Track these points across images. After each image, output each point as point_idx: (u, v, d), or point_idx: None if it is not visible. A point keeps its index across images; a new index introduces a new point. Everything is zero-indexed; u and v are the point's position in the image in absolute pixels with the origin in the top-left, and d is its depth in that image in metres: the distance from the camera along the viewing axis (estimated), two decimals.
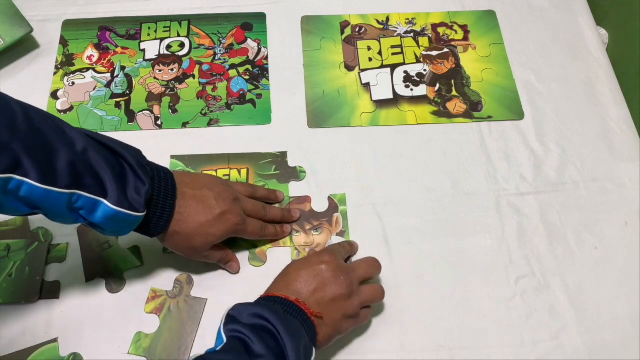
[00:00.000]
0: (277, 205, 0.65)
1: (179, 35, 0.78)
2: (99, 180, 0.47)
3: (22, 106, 0.45)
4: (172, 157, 0.68)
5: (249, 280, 0.61)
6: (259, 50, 0.77)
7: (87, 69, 0.75)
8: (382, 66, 0.76)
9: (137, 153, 0.51)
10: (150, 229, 0.52)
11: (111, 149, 0.49)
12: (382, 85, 0.74)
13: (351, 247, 0.61)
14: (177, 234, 0.54)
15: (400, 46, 0.78)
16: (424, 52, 0.77)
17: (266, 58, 0.76)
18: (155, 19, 0.79)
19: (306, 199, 0.66)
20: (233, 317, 0.48)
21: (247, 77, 0.75)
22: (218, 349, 0.45)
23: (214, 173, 0.67)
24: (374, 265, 0.58)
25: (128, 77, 0.74)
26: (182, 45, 0.77)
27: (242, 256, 0.62)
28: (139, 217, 0.49)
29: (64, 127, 0.47)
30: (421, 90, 0.74)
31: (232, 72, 0.75)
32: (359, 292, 0.54)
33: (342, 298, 0.52)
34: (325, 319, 0.51)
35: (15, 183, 0.43)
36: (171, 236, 0.54)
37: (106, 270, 0.61)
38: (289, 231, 0.63)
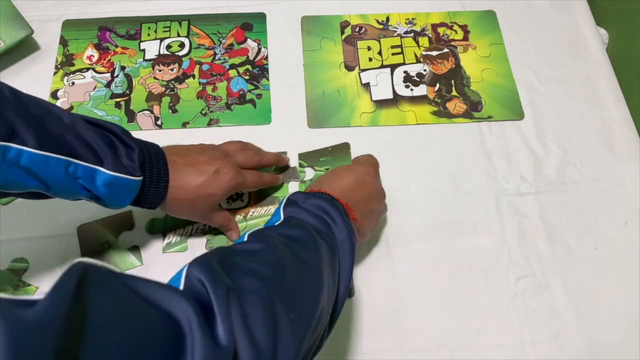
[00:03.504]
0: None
1: (179, 35, 0.78)
2: (92, 150, 0.49)
3: (5, 84, 0.47)
4: None
5: None
6: (259, 50, 0.77)
7: (87, 69, 0.75)
8: (382, 66, 0.76)
9: (121, 126, 0.53)
10: (150, 197, 0.53)
11: (95, 124, 0.51)
12: (382, 85, 0.74)
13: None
14: (178, 200, 0.55)
15: (400, 46, 0.78)
16: (424, 52, 0.77)
17: (266, 58, 0.76)
18: (155, 19, 0.79)
19: None
20: (294, 201, 0.49)
21: (247, 77, 0.75)
22: (276, 224, 0.47)
23: None
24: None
25: (128, 77, 0.74)
26: (182, 45, 0.77)
27: None
28: (137, 182, 0.51)
29: (47, 104, 0.49)
30: (421, 90, 0.74)
31: (232, 72, 0.75)
32: (384, 208, 0.60)
33: (378, 213, 0.57)
34: (361, 228, 0.54)
35: (14, 152, 0.44)
36: (172, 204, 0.55)
37: None
38: (282, 178, 0.66)
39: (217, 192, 0.56)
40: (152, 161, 0.53)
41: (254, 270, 0.39)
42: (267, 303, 0.37)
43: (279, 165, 0.67)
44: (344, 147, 0.69)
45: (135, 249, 0.63)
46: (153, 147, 0.55)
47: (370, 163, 0.60)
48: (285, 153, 0.69)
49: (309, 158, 0.68)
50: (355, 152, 0.69)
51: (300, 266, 0.42)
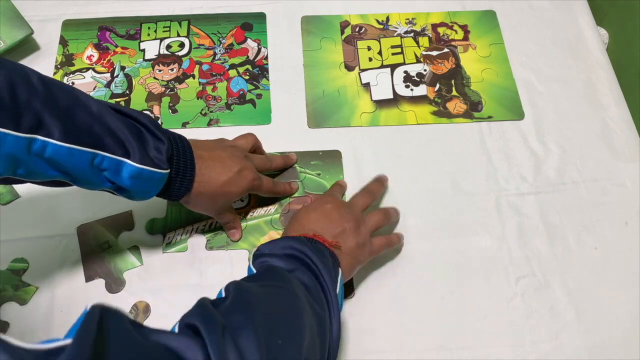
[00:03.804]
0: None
1: (178, 35, 0.78)
2: (119, 141, 0.48)
3: (33, 70, 0.46)
4: None
5: None
6: (259, 50, 0.77)
7: (87, 69, 0.75)
8: (382, 66, 0.76)
9: (149, 117, 0.52)
10: (175, 190, 0.53)
11: (124, 113, 0.50)
12: (382, 85, 0.74)
13: (341, 187, 0.66)
14: (202, 194, 0.55)
15: (400, 46, 0.78)
16: (424, 52, 0.77)
17: (266, 58, 0.76)
18: (155, 19, 0.79)
19: (306, 199, 0.66)
20: (261, 254, 0.50)
21: (247, 77, 0.75)
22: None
23: None
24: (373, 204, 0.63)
25: (128, 77, 0.74)
26: (182, 45, 0.77)
27: (242, 256, 0.63)
28: (163, 175, 0.50)
29: (76, 92, 0.48)
30: (421, 90, 0.74)
31: (232, 72, 0.75)
32: (365, 221, 0.58)
33: (351, 229, 0.56)
34: (343, 248, 0.54)
35: (39, 144, 0.44)
36: (195, 198, 0.55)
37: (106, 271, 0.61)
38: (296, 187, 0.66)
39: (237, 191, 0.57)
40: (180, 154, 0.53)
41: (237, 308, 0.40)
42: (256, 334, 0.37)
43: (287, 167, 0.67)
44: (336, 155, 0.69)
45: (135, 249, 0.63)
46: (181, 139, 0.54)
47: (328, 192, 0.63)
48: (285, 153, 0.69)
49: (299, 159, 0.68)
50: (354, 153, 0.69)
51: (275, 295, 0.44)
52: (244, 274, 0.61)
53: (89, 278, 0.61)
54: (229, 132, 0.70)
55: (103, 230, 0.63)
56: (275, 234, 0.64)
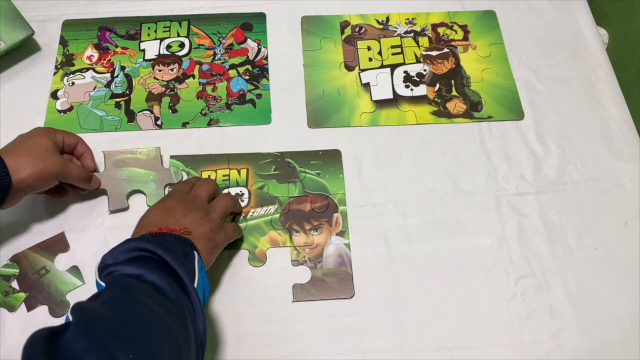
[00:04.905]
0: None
1: (178, 35, 0.78)
2: None
3: None
4: (172, 157, 0.68)
5: (249, 281, 0.61)
6: (259, 50, 0.77)
7: (87, 69, 0.75)
8: (382, 66, 0.76)
9: None
10: None
11: None
12: (382, 85, 0.74)
13: (190, 182, 0.63)
14: (20, 163, 0.55)
15: (400, 46, 0.78)
16: (424, 52, 0.77)
17: (266, 58, 0.76)
18: (155, 19, 0.79)
19: (306, 199, 0.66)
20: (105, 265, 0.48)
21: (247, 77, 0.75)
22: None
23: (213, 174, 0.67)
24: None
25: (128, 77, 0.74)
26: (182, 45, 0.77)
27: (242, 256, 0.63)
28: None
29: None
30: (421, 90, 0.74)
31: (232, 72, 0.75)
32: (213, 207, 0.58)
33: (200, 216, 0.56)
34: (195, 234, 0.54)
35: None
36: (18, 167, 0.55)
37: (47, 296, 0.59)
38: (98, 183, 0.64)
39: (37, 133, 0.59)
40: None
41: (80, 334, 0.39)
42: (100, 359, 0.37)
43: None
44: (336, 154, 0.69)
45: (74, 269, 0.61)
46: None
47: (172, 190, 0.62)
48: (285, 153, 0.69)
49: (299, 159, 0.68)
50: (354, 153, 0.69)
51: (121, 311, 0.42)
52: (243, 274, 0.62)
53: (30, 307, 0.59)
54: (229, 132, 0.70)
55: (37, 256, 0.62)
56: (275, 234, 0.64)
